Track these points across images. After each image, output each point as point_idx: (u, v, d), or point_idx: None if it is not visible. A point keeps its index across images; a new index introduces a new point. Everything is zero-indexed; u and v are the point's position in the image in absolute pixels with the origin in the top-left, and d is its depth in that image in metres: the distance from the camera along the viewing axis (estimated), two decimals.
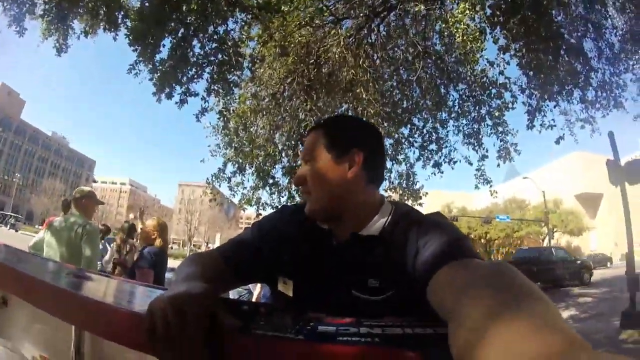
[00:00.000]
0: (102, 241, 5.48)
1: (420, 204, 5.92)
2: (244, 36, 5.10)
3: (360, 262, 0.73)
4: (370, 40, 5.37)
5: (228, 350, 0.52)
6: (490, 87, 5.23)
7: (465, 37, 3.56)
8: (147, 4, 4.77)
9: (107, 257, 5.27)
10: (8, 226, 29.62)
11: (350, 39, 5.08)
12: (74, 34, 5.27)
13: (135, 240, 4.79)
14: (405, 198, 5.97)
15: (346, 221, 0.78)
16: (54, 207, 45.37)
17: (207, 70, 5.10)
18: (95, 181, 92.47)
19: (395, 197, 6.03)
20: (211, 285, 0.61)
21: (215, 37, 5.01)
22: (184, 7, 4.55)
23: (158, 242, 3.26)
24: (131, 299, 0.99)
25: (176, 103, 5.03)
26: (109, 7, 4.90)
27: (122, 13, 5.05)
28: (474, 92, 5.41)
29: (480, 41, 3.70)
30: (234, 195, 5.92)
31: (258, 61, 5.18)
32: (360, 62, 4.94)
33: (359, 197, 0.78)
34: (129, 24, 4.99)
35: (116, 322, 0.63)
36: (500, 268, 0.49)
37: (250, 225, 0.95)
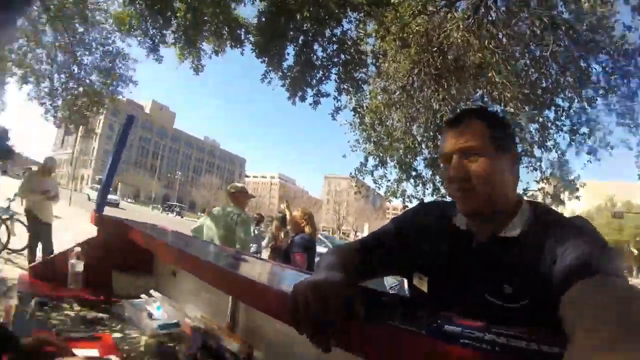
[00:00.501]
0: (257, 227, 6.23)
1: (577, 197, 5.26)
2: (361, 34, 5.15)
3: (497, 266, 0.72)
4: (490, 19, 4.84)
5: (357, 336, 0.57)
6: (636, 55, 4.19)
7: (592, 2, 2.90)
8: (263, 19, 5.10)
9: (264, 242, 5.94)
10: (174, 213, 37.27)
11: (470, 21, 4.67)
12: (205, 54, 6.01)
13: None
14: (561, 190, 5.37)
15: (490, 221, 0.76)
16: (213, 198, 54.74)
17: (334, 71, 5.27)
18: (247, 176, 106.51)
19: (549, 189, 5.40)
20: (349, 275, 0.66)
21: (334, 39, 5.15)
22: (298, 16, 4.76)
23: (307, 229, 3.54)
24: (279, 279, 1.20)
25: (310, 104, 5.34)
26: (230, 27, 5.39)
27: (243, 30, 5.50)
28: (618, 62, 4.40)
29: (610, 4, 2.97)
30: (378, 187, 5.99)
31: (381, 56, 5.16)
32: (486, 43, 4.52)
33: (510, 196, 0.77)
34: (252, 39, 5.41)
35: (266, 297, 0.78)
36: (632, 294, 0.46)
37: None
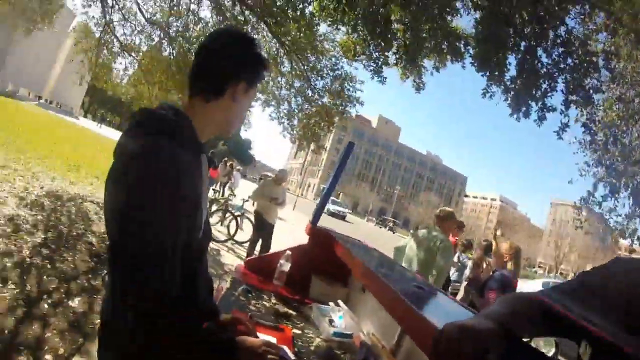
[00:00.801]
0: (463, 255, 5.92)
1: None
2: (587, 31, 4.44)
3: None
4: None
5: None
6: None
7: None
8: (481, 28, 4.76)
9: (467, 271, 5.68)
10: (387, 228, 38.72)
11: None
12: (426, 71, 6.04)
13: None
14: None
15: None
16: (428, 217, 54.81)
17: (560, 80, 4.60)
18: (466, 196, 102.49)
19: None
20: (505, 327, 0.63)
21: (558, 40, 4.49)
22: (517, 21, 4.31)
23: (510, 265, 3.29)
24: (447, 318, 1.04)
25: (535, 121, 4.77)
26: (449, 41, 5.24)
27: (462, 42, 5.29)
28: None
29: None
30: (609, 220, 5.21)
31: (614, 56, 4.36)
32: None
33: None
34: (471, 51, 5.14)
35: (424, 333, 0.84)
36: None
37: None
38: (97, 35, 9.05)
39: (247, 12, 6.80)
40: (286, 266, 1.83)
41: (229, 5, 7.26)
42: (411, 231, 6.01)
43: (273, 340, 1.19)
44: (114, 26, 8.56)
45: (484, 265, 4.68)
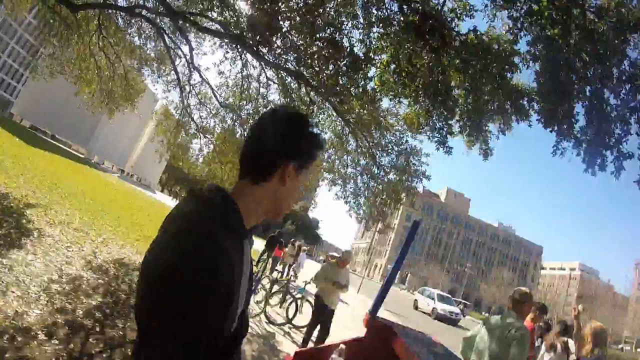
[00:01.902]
0: (540, 338, 5.33)
1: None
2: None
3: None
4: None
5: None
6: None
7: None
8: (542, 80, 4.55)
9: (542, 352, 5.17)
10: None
11: None
12: (492, 136, 5.85)
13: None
14: None
15: None
16: (501, 296, 49.05)
17: (633, 120, 4.24)
18: (543, 268, 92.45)
19: None
20: None
21: (624, 77, 4.20)
22: (579, 65, 4.11)
23: (587, 348, 3.05)
24: None
25: (612, 173, 4.32)
26: (512, 99, 5.07)
27: (526, 99, 5.10)
28: None
29: None
30: None
31: None
32: None
33: None
34: (536, 106, 4.93)
35: None
36: None
37: None
38: (176, 117, 10.17)
39: (312, 93, 7.23)
40: None
41: (295, 88, 7.82)
42: (485, 315, 5.13)
43: None
44: (191, 110, 9.53)
45: (558, 346, 4.38)
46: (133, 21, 8.66)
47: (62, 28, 8.47)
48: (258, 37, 6.24)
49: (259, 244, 15.96)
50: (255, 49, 6.56)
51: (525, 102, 5.14)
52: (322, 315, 5.01)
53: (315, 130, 0.86)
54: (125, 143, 76.65)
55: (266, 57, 6.91)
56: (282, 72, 7.34)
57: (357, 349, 1.66)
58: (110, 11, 8.03)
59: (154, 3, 7.47)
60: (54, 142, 40.72)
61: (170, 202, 46.38)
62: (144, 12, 7.56)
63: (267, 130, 0.80)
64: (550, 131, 4.69)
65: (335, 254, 8.03)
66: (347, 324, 8.19)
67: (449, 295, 24.44)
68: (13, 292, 3.18)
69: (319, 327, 5.01)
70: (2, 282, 3.26)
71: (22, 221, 5.43)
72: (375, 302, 1.87)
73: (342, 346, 1.61)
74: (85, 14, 8.20)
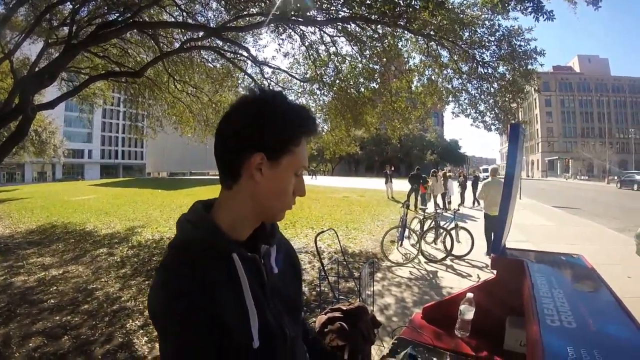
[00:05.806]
0: None
1: None
2: None
3: None
4: None
5: None
6: None
7: None
8: None
9: None
10: (636, 186, 26.41)
11: None
12: None
13: None
14: None
15: None
16: None
17: None
18: None
19: None
20: None
21: None
22: None
23: None
24: None
25: None
26: None
27: None
28: None
29: None
30: None
31: None
32: None
33: None
34: None
35: None
36: None
37: None
38: None
39: (378, 27, 6.84)
40: (469, 313, 1.47)
41: (358, 31, 7.42)
42: None
43: None
44: None
45: None
46: (190, 55, 9.43)
47: (142, 91, 10.12)
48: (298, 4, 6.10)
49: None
50: (300, 18, 6.44)
51: None
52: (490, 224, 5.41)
53: (291, 104, 0.71)
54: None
55: (317, 19, 6.71)
56: (338, 24, 7.01)
57: (489, 292, 1.49)
58: (170, 58, 8.93)
59: (197, 34, 7.89)
60: (193, 178, 47.10)
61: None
62: (192, 44, 8.17)
63: (225, 125, 0.69)
64: None
65: (487, 167, 7.58)
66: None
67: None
68: None
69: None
70: None
71: None
72: (495, 240, 1.64)
73: (470, 295, 1.47)
74: (156, 70, 9.42)
